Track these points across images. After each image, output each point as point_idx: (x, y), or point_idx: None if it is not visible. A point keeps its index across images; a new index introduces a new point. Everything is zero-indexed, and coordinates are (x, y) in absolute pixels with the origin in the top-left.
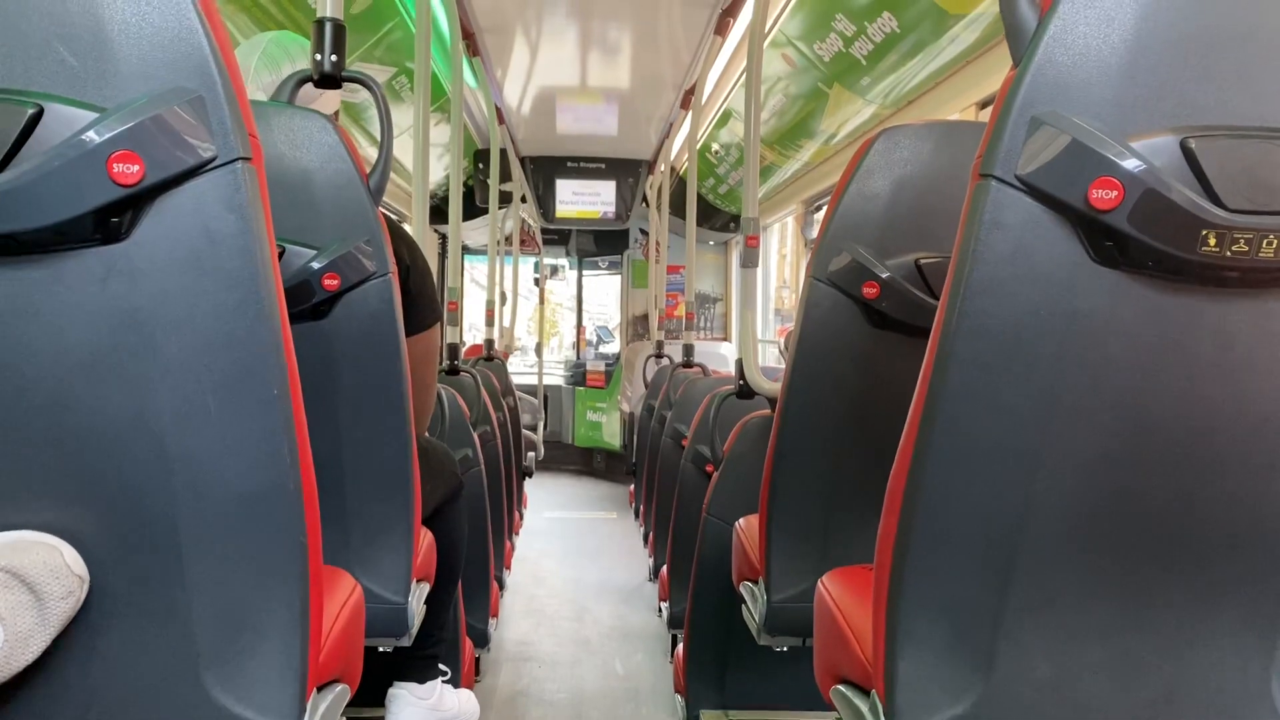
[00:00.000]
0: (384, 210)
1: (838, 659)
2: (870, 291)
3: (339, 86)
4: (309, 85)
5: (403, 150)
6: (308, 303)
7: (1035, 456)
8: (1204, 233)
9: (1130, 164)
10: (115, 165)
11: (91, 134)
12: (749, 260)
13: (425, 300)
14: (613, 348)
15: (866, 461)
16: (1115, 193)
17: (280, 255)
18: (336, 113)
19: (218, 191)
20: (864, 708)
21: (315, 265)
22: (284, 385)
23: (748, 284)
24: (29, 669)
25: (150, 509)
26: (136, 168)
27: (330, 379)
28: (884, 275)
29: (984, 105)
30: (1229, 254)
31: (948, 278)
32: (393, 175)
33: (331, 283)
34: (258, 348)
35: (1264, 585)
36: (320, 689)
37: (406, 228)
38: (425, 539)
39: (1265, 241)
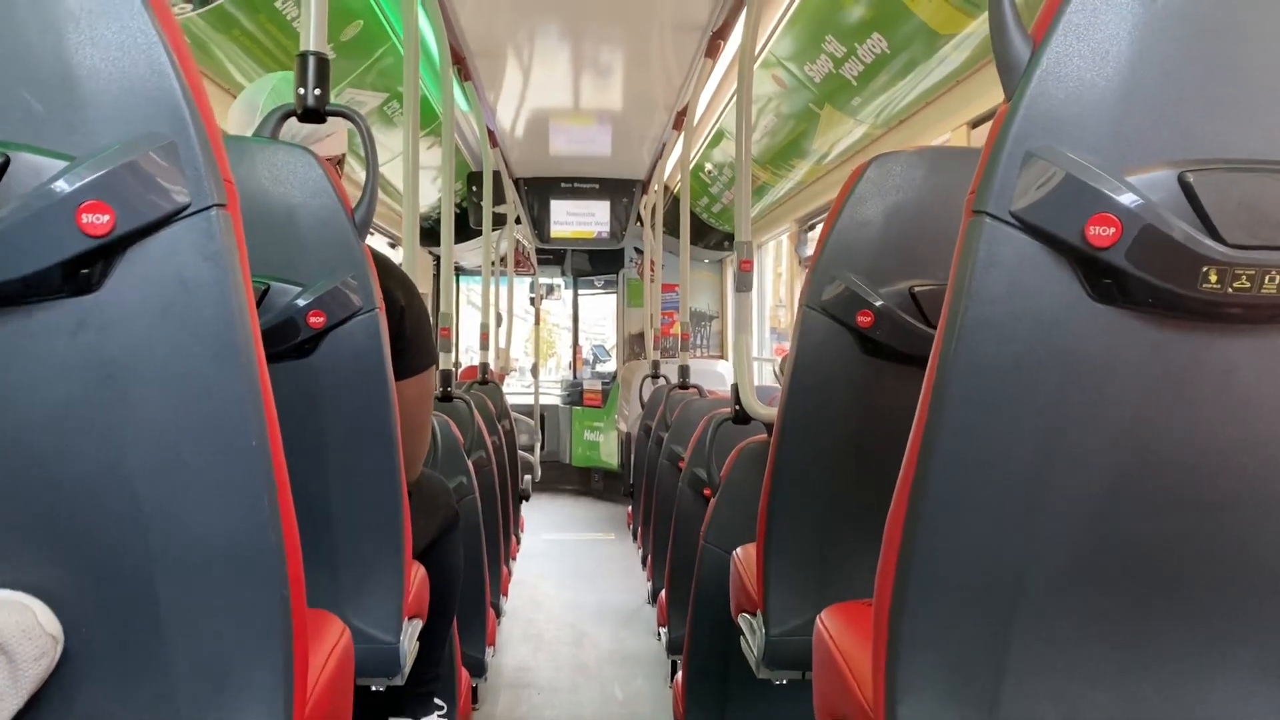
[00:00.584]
0: (379, 250)
1: (837, 700)
2: (864, 320)
3: (323, 120)
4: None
5: (396, 174)
6: (292, 341)
7: (1035, 497)
8: (1204, 269)
9: (1127, 199)
10: (84, 216)
11: (60, 184)
12: (743, 285)
13: (420, 343)
14: (609, 367)
15: (864, 492)
16: (1113, 229)
17: (264, 293)
18: (341, 158)
19: (191, 239)
20: None
21: (300, 303)
22: (263, 436)
23: (742, 308)
24: None
25: (126, 565)
26: (107, 218)
27: (316, 417)
28: (878, 304)
29: (975, 124)
30: (1230, 290)
31: (942, 315)
32: (386, 199)
33: (317, 320)
34: (235, 398)
35: (1276, 629)
36: None
37: (398, 252)
38: (418, 575)
39: (1267, 277)
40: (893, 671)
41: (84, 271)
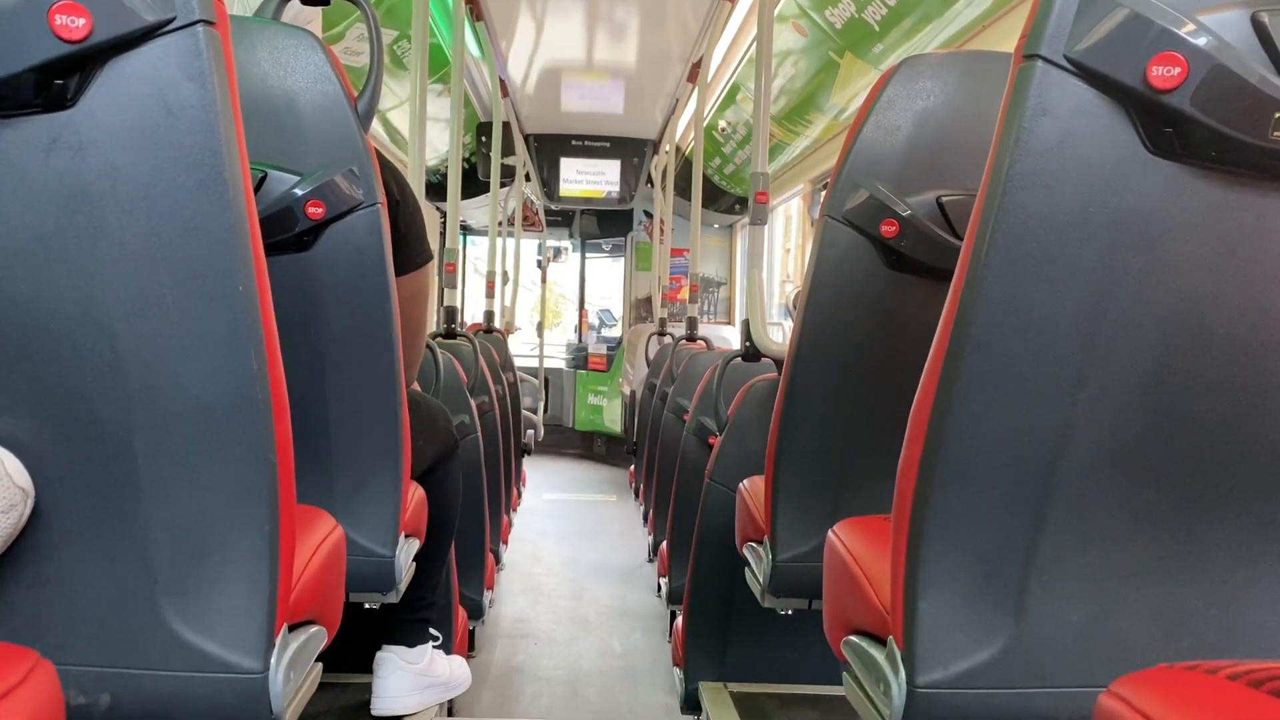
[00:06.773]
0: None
1: (850, 608)
2: (889, 230)
3: (327, 2)
4: (299, 24)
5: (402, 119)
6: (290, 232)
7: (1077, 375)
8: (1277, 115)
9: (1195, 37)
10: (58, 17)
11: None
12: (758, 217)
13: (415, 238)
14: (615, 331)
15: (881, 413)
16: (1178, 69)
17: (261, 181)
18: None
19: (176, 57)
20: (879, 657)
21: (298, 192)
22: (250, 282)
23: (755, 243)
24: None
25: (101, 417)
26: (83, 21)
27: (314, 314)
28: (904, 213)
29: None
30: None
31: (985, 174)
32: (393, 148)
33: (316, 211)
34: (220, 237)
35: None
36: (293, 628)
37: None
38: (416, 494)
39: None
40: (913, 568)
41: (58, 82)
